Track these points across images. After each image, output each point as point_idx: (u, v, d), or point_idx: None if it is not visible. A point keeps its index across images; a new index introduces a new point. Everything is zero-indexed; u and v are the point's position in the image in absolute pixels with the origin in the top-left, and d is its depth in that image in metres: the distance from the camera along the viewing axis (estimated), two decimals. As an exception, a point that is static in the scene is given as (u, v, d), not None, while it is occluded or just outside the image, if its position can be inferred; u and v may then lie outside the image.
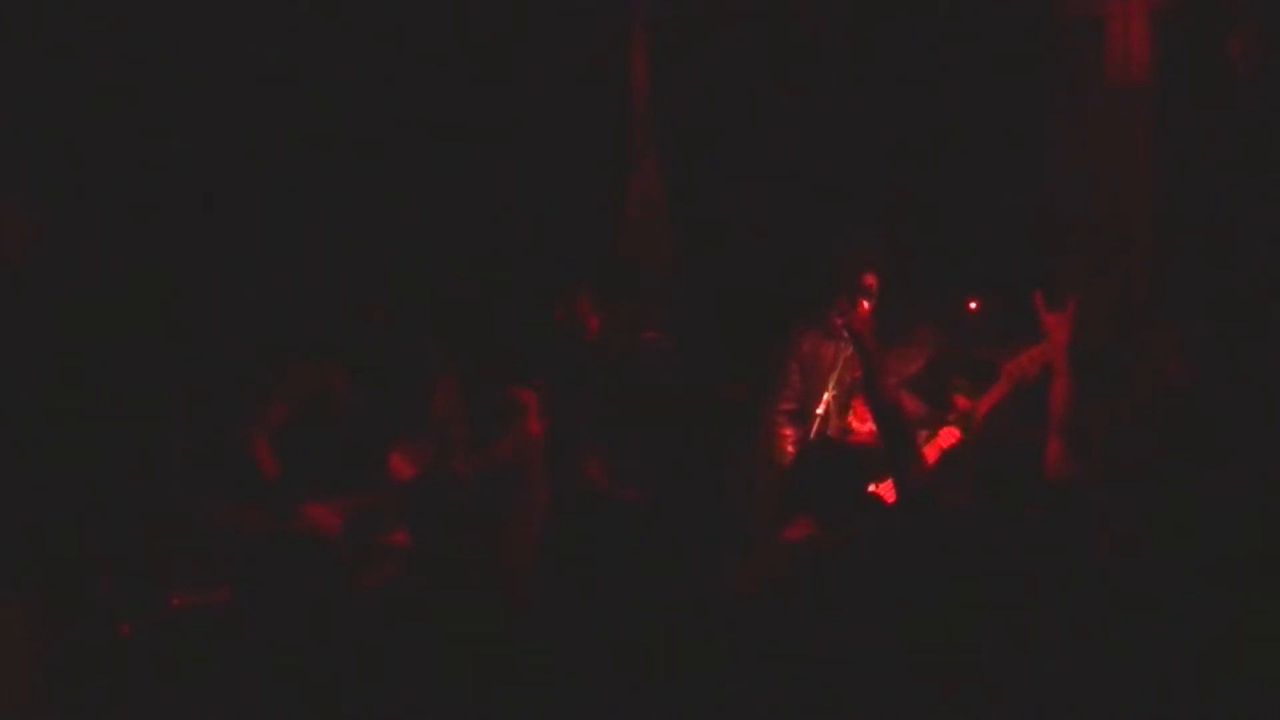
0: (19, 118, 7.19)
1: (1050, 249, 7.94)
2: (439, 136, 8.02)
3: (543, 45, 8.17)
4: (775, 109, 8.27)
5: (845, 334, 6.00)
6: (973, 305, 6.93)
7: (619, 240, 8.36)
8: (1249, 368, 6.20)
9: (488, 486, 6.47)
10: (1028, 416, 6.07)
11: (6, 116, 7.14)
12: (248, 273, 7.55)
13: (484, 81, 8.12)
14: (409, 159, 7.98)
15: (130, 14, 7.59)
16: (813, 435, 6.31)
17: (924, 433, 6.23)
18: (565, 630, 4.67)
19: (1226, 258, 7.35)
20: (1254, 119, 7.55)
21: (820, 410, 6.38)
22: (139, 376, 6.95)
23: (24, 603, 5.49)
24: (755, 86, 8.28)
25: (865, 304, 6.05)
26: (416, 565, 6.09)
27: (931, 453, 6.41)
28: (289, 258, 7.63)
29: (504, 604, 5.29)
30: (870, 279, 6.28)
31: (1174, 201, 7.74)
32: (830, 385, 6.40)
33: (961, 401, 6.43)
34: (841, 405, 6.54)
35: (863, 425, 6.50)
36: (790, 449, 6.64)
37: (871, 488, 5.50)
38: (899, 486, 5.18)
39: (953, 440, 6.43)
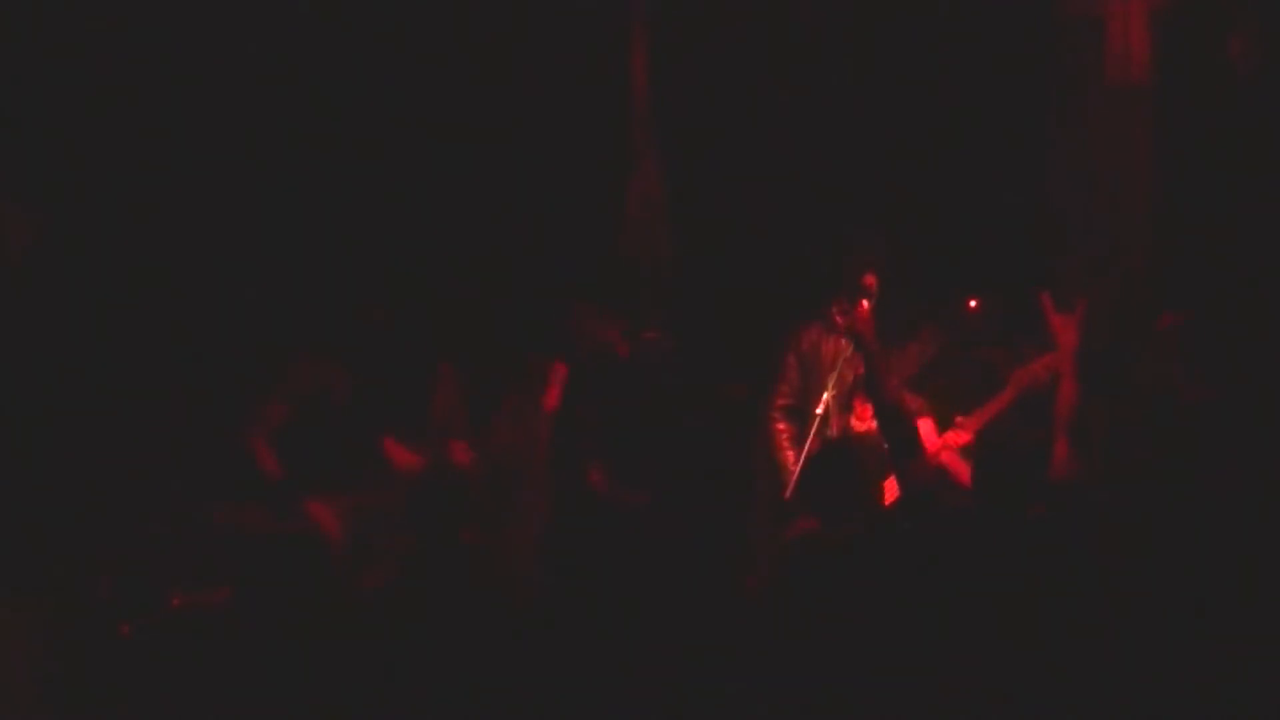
0: (19, 118, 7.19)
1: (1050, 249, 7.94)
2: (439, 136, 8.01)
3: (543, 45, 8.17)
4: (775, 109, 8.27)
5: (847, 334, 6.00)
6: (973, 305, 6.93)
7: (619, 240, 8.35)
8: (1249, 368, 6.19)
9: (489, 485, 6.47)
10: (1030, 418, 6.07)
11: (6, 116, 7.14)
12: (248, 272, 7.55)
13: (484, 81, 8.11)
14: (409, 159, 7.97)
15: (130, 14, 7.59)
16: (812, 434, 6.30)
17: (925, 424, 6.25)
18: (565, 630, 4.67)
19: (1226, 258, 7.34)
20: (1254, 119, 7.55)
21: (820, 410, 6.37)
22: (139, 376, 6.95)
23: (24, 602, 5.49)
24: (755, 86, 8.28)
25: (865, 304, 6.04)
26: (417, 565, 6.09)
27: (940, 453, 6.42)
28: (289, 257, 7.63)
29: (504, 604, 5.30)
30: (870, 279, 6.28)
31: (1174, 201, 7.74)
32: (830, 384, 6.39)
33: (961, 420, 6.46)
34: (841, 405, 6.54)
35: (862, 424, 6.50)
36: (789, 446, 6.64)
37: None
38: (901, 486, 5.18)
39: (961, 441, 6.44)
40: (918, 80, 8.02)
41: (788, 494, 6.15)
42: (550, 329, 7.13)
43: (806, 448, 6.21)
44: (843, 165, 8.03)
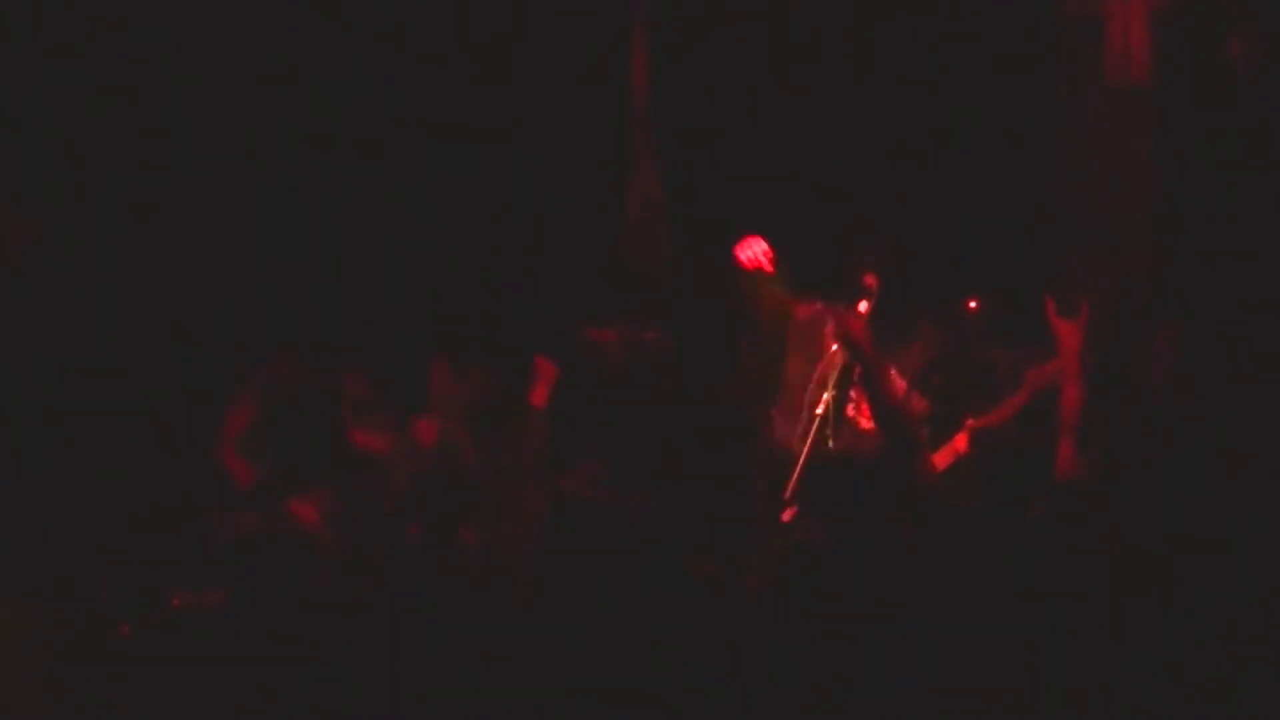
0: (19, 118, 7.19)
1: (1050, 249, 7.93)
2: (439, 136, 8.01)
3: (543, 45, 8.17)
4: (775, 109, 8.26)
5: (837, 336, 6.00)
6: (973, 305, 6.93)
7: (619, 240, 8.35)
8: (1249, 367, 6.19)
9: (488, 484, 6.48)
10: (1034, 419, 6.07)
11: (6, 116, 7.14)
12: (248, 273, 7.54)
13: (484, 81, 8.11)
14: (409, 159, 7.97)
15: (130, 14, 7.59)
16: (811, 433, 6.30)
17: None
18: (563, 630, 4.67)
19: (1226, 258, 7.34)
20: (1254, 119, 7.54)
21: (820, 410, 6.37)
22: (139, 376, 6.95)
23: (24, 603, 5.48)
24: (755, 86, 8.27)
25: (866, 304, 6.04)
26: (416, 564, 6.09)
27: (945, 456, 6.41)
28: (289, 257, 7.62)
29: (502, 603, 5.30)
30: (870, 279, 6.28)
31: (1174, 201, 7.73)
32: (830, 385, 6.39)
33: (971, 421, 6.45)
34: (840, 405, 6.53)
35: (867, 423, 6.49)
36: (790, 446, 6.64)
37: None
38: (903, 487, 5.18)
39: (965, 446, 6.44)
40: (918, 80, 8.02)
41: (788, 494, 6.15)
42: (548, 329, 7.14)
43: (807, 448, 6.21)
44: (843, 165, 8.02)
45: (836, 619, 4.37)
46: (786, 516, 5.88)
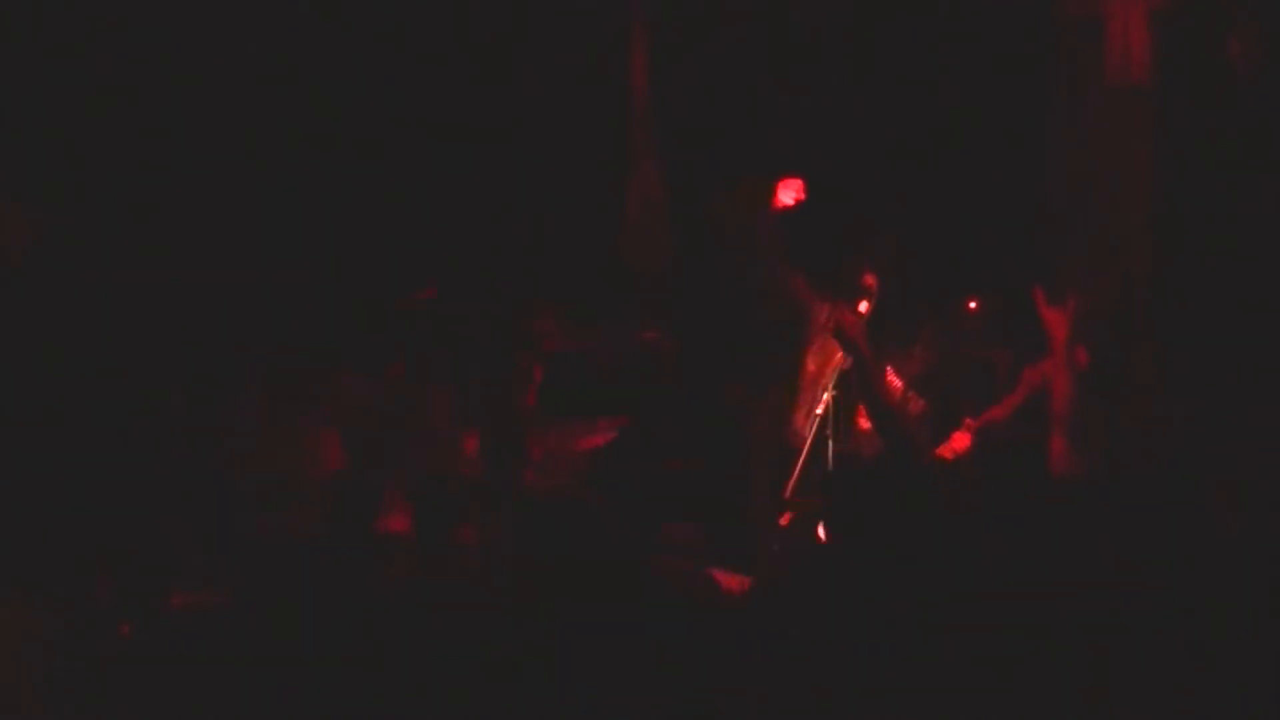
0: (19, 118, 7.19)
1: (1050, 249, 7.93)
2: (439, 136, 8.02)
3: (543, 45, 8.17)
4: (775, 109, 8.27)
5: (835, 336, 6.00)
6: (973, 305, 6.93)
7: (619, 240, 8.35)
8: (1249, 368, 6.20)
9: (482, 484, 6.48)
10: (1028, 415, 6.08)
11: (6, 116, 7.14)
12: (247, 273, 7.55)
13: (484, 81, 8.12)
14: (409, 159, 7.98)
15: (130, 14, 7.59)
16: (811, 433, 6.31)
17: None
18: (560, 630, 4.66)
19: (1226, 258, 7.34)
20: (1254, 119, 7.54)
21: (820, 410, 6.37)
22: (139, 376, 6.95)
23: (24, 603, 5.48)
24: (755, 86, 8.28)
25: (866, 304, 6.05)
26: (414, 563, 6.09)
27: (945, 456, 6.42)
28: (289, 258, 7.63)
29: (496, 604, 5.29)
30: (870, 279, 6.29)
31: (1174, 201, 7.73)
32: (830, 385, 6.39)
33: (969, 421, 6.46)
34: (840, 405, 6.54)
35: (866, 422, 6.50)
36: (789, 445, 6.65)
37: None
38: (901, 487, 5.17)
39: (965, 445, 6.44)
40: (918, 80, 8.02)
41: (788, 494, 6.16)
42: (545, 328, 7.15)
43: (807, 448, 6.22)
44: (843, 165, 8.02)
45: (836, 619, 4.37)
46: (785, 519, 5.89)
